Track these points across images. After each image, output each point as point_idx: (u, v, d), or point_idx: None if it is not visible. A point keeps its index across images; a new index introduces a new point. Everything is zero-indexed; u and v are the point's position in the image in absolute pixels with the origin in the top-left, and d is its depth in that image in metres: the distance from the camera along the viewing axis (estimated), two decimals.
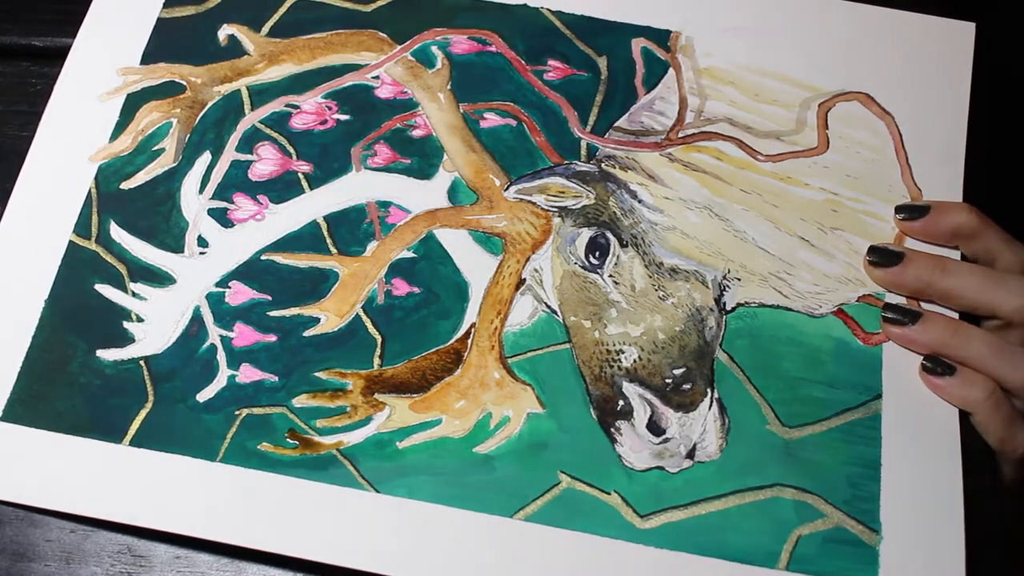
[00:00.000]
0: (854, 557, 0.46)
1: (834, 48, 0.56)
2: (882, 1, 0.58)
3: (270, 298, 0.51)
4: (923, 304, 0.51)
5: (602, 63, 0.56)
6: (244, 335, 0.50)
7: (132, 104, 0.54)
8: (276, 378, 0.49)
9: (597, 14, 0.57)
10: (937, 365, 0.50)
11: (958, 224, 0.51)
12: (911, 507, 0.47)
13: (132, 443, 0.48)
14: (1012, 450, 0.49)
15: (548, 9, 0.57)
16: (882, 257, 0.52)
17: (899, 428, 0.49)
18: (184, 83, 0.54)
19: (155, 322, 0.50)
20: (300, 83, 0.55)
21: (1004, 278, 0.50)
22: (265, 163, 0.53)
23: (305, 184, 0.53)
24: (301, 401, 0.49)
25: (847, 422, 0.49)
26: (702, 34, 0.57)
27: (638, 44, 0.57)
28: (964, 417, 0.49)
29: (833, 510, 0.47)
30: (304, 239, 0.52)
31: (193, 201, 0.52)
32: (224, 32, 0.56)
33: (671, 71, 0.56)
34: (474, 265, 0.52)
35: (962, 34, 0.57)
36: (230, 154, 0.53)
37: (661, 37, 0.57)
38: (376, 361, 0.49)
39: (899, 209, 0.53)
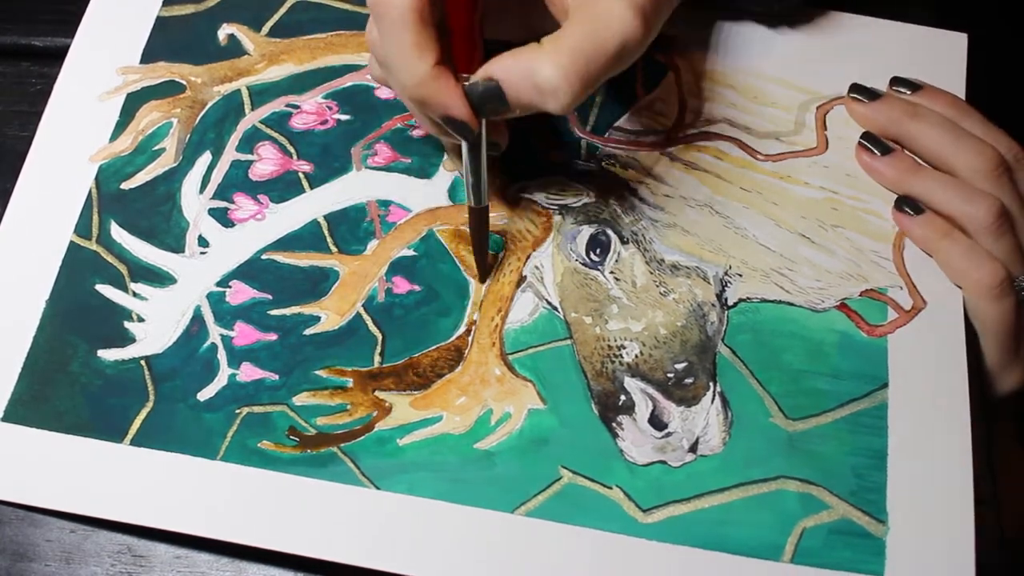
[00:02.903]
0: (860, 548, 0.46)
1: (831, 57, 0.57)
2: (877, 12, 0.58)
3: (271, 297, 0.50)
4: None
5: None
6: (245, 334, 0.50)
7: (132, 104, 0.54)
8: (277, 376, 0.49)
9: None
10: (906, 205, 0.53)
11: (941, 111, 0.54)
12: (919, 497, 0.47)
13: (133, 442, 0.47)
14: (975, 284, 0.51)
15: None
16: (862, 93, 0.55)
17: (906, 417, 0.48)
18: (184, 83, 0.55)
19: (156, 322, 0.50)
20: (300, 83, 0.55)
21: (964, 137, 0.53)
22: (265, 163, 0.53)
23: (305, 183, 0.53)
24: (301, 399, 0.48)
25: (852, 412, 0.48)
26: (701, 39, 0.57)
27: None
28: (973, 403, 0.49)
29: (839, 501, 0.47)
30: (305, 238, 0.52)
31: (193, 201, 0.52)
32: (224, 31, 0.56)
33: (670, 74, 0.56)
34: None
35: (955, 44, 0.57)
36: (230, 154, 0.53)
37: (660, 41, 0.56)
38: (376, 359, 0.49)
39: (895, 81, 0.56)
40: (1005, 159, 0.52)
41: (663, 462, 0.47)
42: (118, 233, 0.52)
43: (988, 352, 0.52)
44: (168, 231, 0.52)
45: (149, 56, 0.55)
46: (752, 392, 0.49)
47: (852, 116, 0.56)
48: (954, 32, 0.58)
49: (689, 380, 0.49)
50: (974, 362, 0.51)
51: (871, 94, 0.55)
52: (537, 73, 0.42)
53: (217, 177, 0.53)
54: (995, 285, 0.50)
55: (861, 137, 0.55)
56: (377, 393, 0.48)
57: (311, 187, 0.53)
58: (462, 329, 0.50)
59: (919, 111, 0.54)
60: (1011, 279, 0.51)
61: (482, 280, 0.51)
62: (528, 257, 0.52)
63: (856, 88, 0.55)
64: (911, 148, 0.54)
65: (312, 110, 0.54)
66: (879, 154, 0.54)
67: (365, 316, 0.50)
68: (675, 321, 0.50)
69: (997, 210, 0.51)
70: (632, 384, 0.49)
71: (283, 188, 0.53)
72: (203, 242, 0.51)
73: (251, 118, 0.54)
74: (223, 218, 0.52)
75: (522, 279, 0.51)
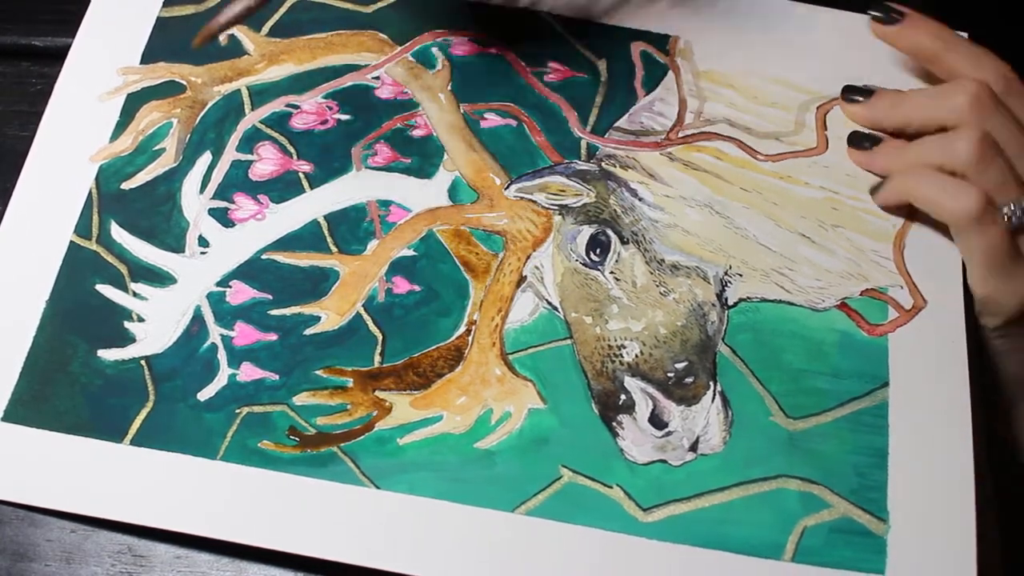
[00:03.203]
0: (861, 547, 0.46)
1: (831, 56, 0.57)
2: None
3: (271, 297, 0.50)
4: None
5: (601, 65, 0.56)
6: (245, 334, 0.50)
7: (132, 104, 0.54)
8: (277, 376, 0.49)
9: (597, 19, 0.57)
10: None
11: (919, 44, 0.54)
12: (920, 495, 0.47)
13: (133, 442, 0.47)
14: (954, 215, 0.50)
15: (548, 13, 0.57)
16: (856, 93, 0.56)
17: (907, 415, 0.48)
18: (184, 83, 0.55)
19: (156, 322, 0.50)
20: (300, 83, 0.55)
21: (943, 93, 0.53)
22: (265, 163, 0.53)
23: (305, 184, 0.53)
24: (302, 399, 0.48)
25: (853, 411, 0.48)
26: (701, 39, 0.57)
27: (637, 48, 0.57)
28: (974, 402, 0.49)
29: (839, 500, 0.47)
30: (305, 238, 0.52)
31: (194, 201, 0.52)
32: (224, 32, 0.56)
33: (670, 74, 0.56)
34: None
35: None
36: (230, 154, 0.53)
37: (660, 41, 0.57)
38: (377, 359, 0.49)
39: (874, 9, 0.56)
40: (981, 94, 0.51)
41: (663, 461, 0.47)
42: (118, 233, 0.51)
43: (977, 281, 0.51)
44: (168, 231, 0.52)
45: (149, 56, 0.55)
46: (752, 391, 0.49)
47: (851, 118, 0.56)
48: (955, 32, 0.58)
49: (689, 379, 0.49)
50: (975, 361, 0.51)
51: (865, 92, 0.55)
52: None
53: (217, 177, 0.53)
54: (976, 214, 0.49)
55: (848, 138, 0.55)
56: (377, 393, 0.48)
57: (311, 187, 0.53)
58: (462, 329, 0.50)
59: (905, 96, 0.54)
60: (994, 205, 0.50)
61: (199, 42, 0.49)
62: (528, 257, 0.52)
63: (849, 89, 0.56)
64: (910, 130, 0.54)
65: (312, 110, 0.54)
66: (870, 147, 0.54)
67: (365, 316, 0.50)
68: (675, 321, 0.50)
69: (975, 143, 0.50)
70: (632, 383, 0.49)
71: (283, 188, 0.53)
72: (203, 242, 0.51)
73: (251, 118, 0.54)
74: (223, 218, 0.52)
75: (522, 279, 0.51)
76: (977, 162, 0.50)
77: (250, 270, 0.51)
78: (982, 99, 0.51)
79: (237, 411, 0.48)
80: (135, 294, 0.50)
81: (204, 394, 0.48)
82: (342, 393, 0.48)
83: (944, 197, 0.50)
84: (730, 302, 0.51)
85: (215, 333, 0.50)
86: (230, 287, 0.51)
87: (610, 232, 0.52)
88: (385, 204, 0.53)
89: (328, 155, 0.54)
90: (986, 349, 0.54)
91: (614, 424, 0.48)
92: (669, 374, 0.49)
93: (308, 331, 0.50)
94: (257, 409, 0.48)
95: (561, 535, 0.46)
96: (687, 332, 0.50)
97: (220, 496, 0.46)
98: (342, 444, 0.47)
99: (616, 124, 0.55)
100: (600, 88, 0.56)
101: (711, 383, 0.49)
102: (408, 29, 0.57)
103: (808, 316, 0.51)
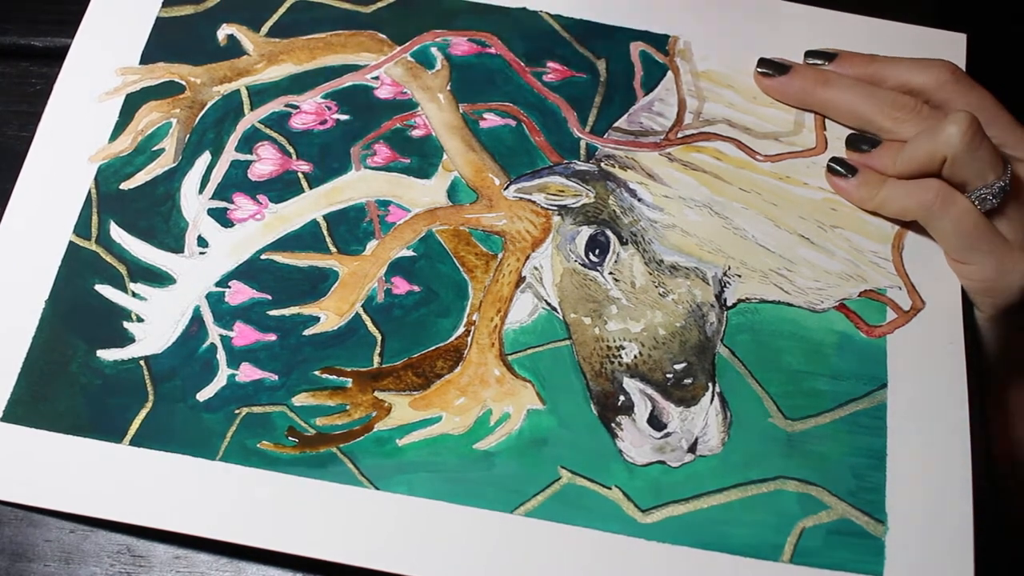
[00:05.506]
0: (860, 548, 0.46)
1: None
2: (876, 12, 0.58)
3: (270, 297, 0.50)
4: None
5: (601, 65, 0.56)
6: (244, 334, 0.50)
7: (131, 104, 0.54)
8: (276, 377, 0.49)
9: (596, 19, 0.57)
10: (839, 165, 0.53)
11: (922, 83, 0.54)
12: (918, 497, 0.47)
13: (132, 442, 0.47)
14: (919, 208, 0.51)
15: (547, 13, 0.57)
16: (770, 68, 0.56)
17: (905, 417, 0.48)
18: (183, 83, 0.55)
19: (155, 322, 0.50)
20: (300, 83, 0.55)
21: (875, 92, 0.53)
22: (265, 163, 0.53)
23: (305, 184, 0.53)
24: (301, 399, 0.48)
25: (851, 413, 0.48)
26: (700, 39, 0.57)
27: (636, 48, 0.57)
28: (973, 403, 0.49)
29: (838, 502, 0.47)
30: (304, 238, 0.52)
31: (193, 201, 0.52)
32: (223, 32, 0.56)
33: (669, 74, 0.56)
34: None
35: (954, 44, 0.57)
36: (230, 154, 0.53)
37: (659, 41, 0.57)
38: (376, 359, 0.49)
39: (810, 54, 0.56)
40: (918, 103, 0.52)
41: (662, 462, 0.47)
42: (117, 233, 0.51)
43: (956, 267, 0.52)
44: (167, 231, 0.52)
45: (149, 57, 0.55)
46: (751, 392, 0.49)
47: (763, 91, 0.56)
48: (954, 32, 0.58)
49: (688, 381, 0.49)
50: (973, 362, 0.51)
51: (780, 68, 0.55)
52: None
53: (216, 177, 0.53)
54: (933, 200, 0.50)
55: (846, 140, 0.54)
56: (376, 393, 0.49)
57: (310, 187, 0.53)
58: (461, 330, 0.50)
59: (829, 78, 0.54)
60: (947, 188, 0.50)
61: None
62: (527, 258, 0.52)
63: (764, 63, 0.56)
64: (828, 116, 0.55)
65: (311, 110, 0.54)
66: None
67: (364, 316, 0.50)
68: (674, 322, 0.50)
69: (965, 126, 0.50)
70: (631, 384, 0.49)
71: (282, 188, 0.53)
72: (202, 242, 0.51)
73: (250, 118, 0.54)
74: (222, 218, 0.52)
75: (521, 280, 0.51)
76: (966, 148, 0.50)
77: (249, 270, 0.51)
78: (917, 109, 0.52)
79: (236, 411, 0.48)
80: (134, 294, 0.50)
81: (203, 394, 0.48)
82: (341, 394, 0.48)
83: (907, 195, 0.51)
84: (729, 303, 0.51)
85: (214, 333, 0.50)
86: (229, 287, 0.51)
87: (609, 233, 0.52)
88: (384, 204, 0.53)
89: (327, 155, 0.53)
90: (982, 343, 0.54)
91: (613, 425, 0.48)
92: (668, 375, 0.49)
93: (307, 331, 0.50)
94: (256, 410, 0.48)
95: (560, 536, 0.46)
96: (686, 333, 0.50)
97: (219, 496, 0.46)
98: (341, 445, 0.47)
99: (615, 124, 0.55)
100: (599, 88, 0.56)
101: (710, 384, 0.49)
102: (407, 29, 0.56)
103: (807, 317, 0.51)
